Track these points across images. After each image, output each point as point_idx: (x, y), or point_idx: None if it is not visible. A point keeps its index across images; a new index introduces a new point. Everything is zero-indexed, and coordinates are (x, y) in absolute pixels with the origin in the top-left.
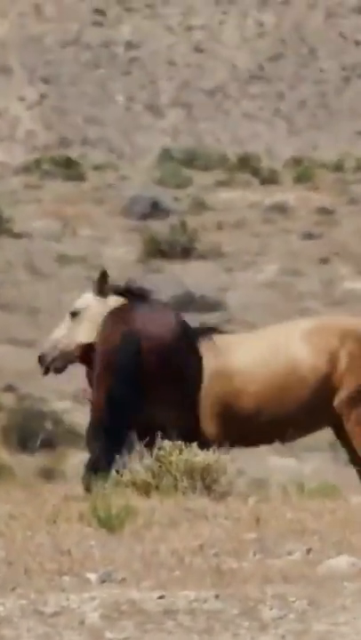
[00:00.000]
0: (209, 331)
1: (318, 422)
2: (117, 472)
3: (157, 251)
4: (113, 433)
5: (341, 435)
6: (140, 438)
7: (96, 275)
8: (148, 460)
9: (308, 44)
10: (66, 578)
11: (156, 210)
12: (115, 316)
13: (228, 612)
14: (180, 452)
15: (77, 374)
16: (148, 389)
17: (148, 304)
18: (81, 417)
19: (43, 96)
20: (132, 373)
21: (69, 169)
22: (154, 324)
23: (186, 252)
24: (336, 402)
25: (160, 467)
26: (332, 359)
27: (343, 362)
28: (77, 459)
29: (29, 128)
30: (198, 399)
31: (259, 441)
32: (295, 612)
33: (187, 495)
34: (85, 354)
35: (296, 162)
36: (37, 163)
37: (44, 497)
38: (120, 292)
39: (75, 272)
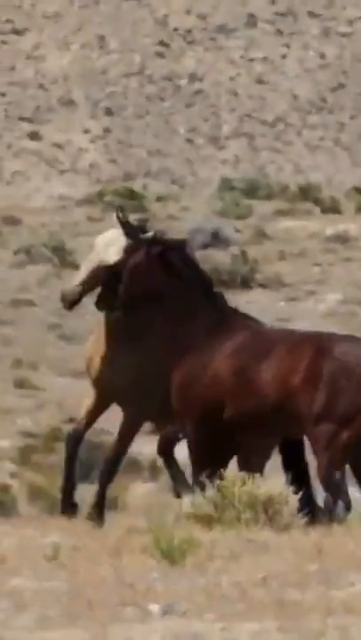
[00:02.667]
0: None
1: None
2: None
3: (219, 281)
4: None
5: None
6: None
7: None
8: (210, 492)
9: None
10: (129, 610)
11: (217, 240)
12: None
13: None
14: (243, 483)
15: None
16: None
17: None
18: (142, 447)
19: (106, 129)
20: None
21: (132, 200)
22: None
23: (247, 282)
24: None
25: (222, 498)
26: None
27: None
28: (139, 490)
29: (92, 160)
30: None
31: None
32: None
33: (249, 527)
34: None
35: (357, 191)
36: (100, 195)
37: (106, 529)
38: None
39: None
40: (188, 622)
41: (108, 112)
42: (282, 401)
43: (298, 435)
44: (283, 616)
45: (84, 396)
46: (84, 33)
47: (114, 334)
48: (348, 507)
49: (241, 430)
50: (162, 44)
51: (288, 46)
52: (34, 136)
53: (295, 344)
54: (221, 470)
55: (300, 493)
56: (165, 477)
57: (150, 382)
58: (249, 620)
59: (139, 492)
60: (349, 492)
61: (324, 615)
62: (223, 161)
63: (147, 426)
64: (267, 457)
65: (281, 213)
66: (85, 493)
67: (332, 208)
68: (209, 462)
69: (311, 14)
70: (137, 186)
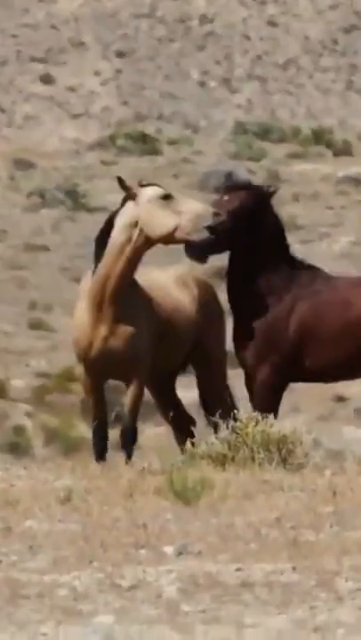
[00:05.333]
0: None
1: None
2: (193, 444)
3: None
4: None
5: None
6: None
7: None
8: (224, 432)
9: None
10: (142, 551)
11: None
12: None
13: (305, 584)
14: (257, 423)
15: None
16: None
17: None
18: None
19: (117, 71)
20: None
21: (145, 144)
22: None
23: None
24: None
25: (236, 438)
26: None
27: None
28: (153, 432)
29: (104, 103)
30: None
31: None
32: None
33: (263, 467)
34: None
35: None
36: (113, 138)
37: (119, 471)
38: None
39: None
40: (201, 563)
41: (120, 54)
42: None
43: None
44: (297, 556)
45: None
46: None
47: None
48: None
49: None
50: None
51: None
52: (46, 79)
53: None
54: (235, 411)
55: None
56: None
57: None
58: (263, 561)
59: (152, 433)
60: (360, 434)
61: (338, 555)
62: (236, 104)
63: None
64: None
65: (294, 156)
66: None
67: (343, 151)
68: (273, 408)
69: None
70: (149, 129)
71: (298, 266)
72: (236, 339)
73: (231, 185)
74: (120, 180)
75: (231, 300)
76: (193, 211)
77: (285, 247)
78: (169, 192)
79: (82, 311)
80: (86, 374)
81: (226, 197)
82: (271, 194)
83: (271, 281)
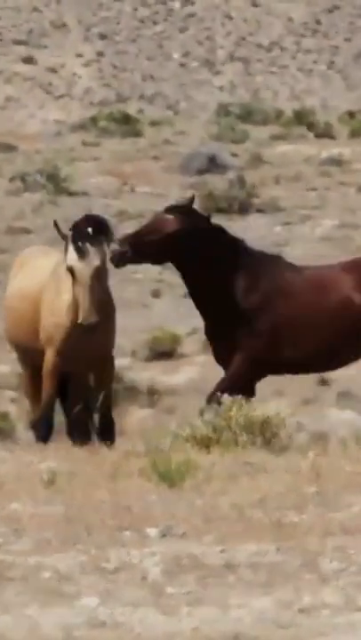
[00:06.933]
0: None
1: None
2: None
3: (215, 206)
4: None
5: None
6: None
7: None
8: (208, 415)
9: None
10: (126, 533)
11: (213, 165)
12: None
13: (289, 565)
14: (240, 406)
15: (134, 332)
16: None
17: None
18: (139, 373)
19: (99, 53)
20: None
21: (127, 125)
22: None
23: (244, 207)
24: None
25: (220, 421)
26: None
27: None
28: (137, 416)
29: (86, 85)
30: None
31: None
32: (356, 564)
33: (246, 449)
34: None
35: (351, 116)
36: (94, 120)
37: (103, 454)
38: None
39: (133, 228)
40: (186, 545)
41: (102, 36)
42: None
43: None
44: (281, 537)
45: None
46: None
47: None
48: None
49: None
50: None
51: None
52: (28, 60)
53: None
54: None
55: None
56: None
57: None
58: (247, 542)
59: (136, 417)
60: (343, 416)
61: (322, 536)
62: (218, 86)
63: (144, 353)
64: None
65: (276, 138)
66: None
67: (326, 132)
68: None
69: None
70: (131, 110)
71: (262, 259)
72: (209, 333)
73: (170, 207)
74: (55, 224)
75: (202, 296)
76: (80, 313)
77: (244, 249)
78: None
79: None
80: None
81: (169, 217)
82: (206, 219)
83: (237, 276)
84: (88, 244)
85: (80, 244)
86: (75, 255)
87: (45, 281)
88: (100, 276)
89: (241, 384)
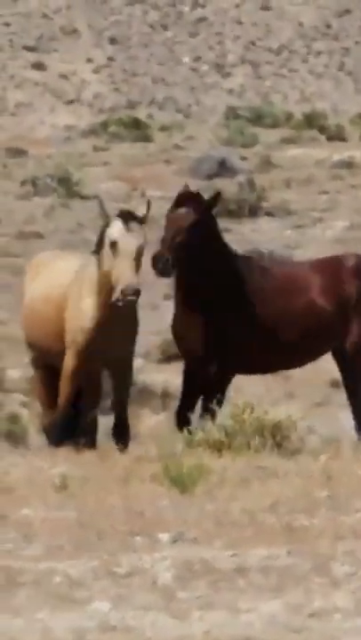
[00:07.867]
0: None
1: None
2: (189, 432)
3: (226, 209)
4: None
5: None
6: None
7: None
8: (221, 419)
9: None
10: (138, 538)
11: (223, 169)
12: None
13: (300, 568)
14: (252, 410)
15: (146, 334)
16: None
17: None
18: (152, 376)
19: (110, 58)
20: None
21: (137, 130)
22: None
23: (254, 211)
24: None
25: (233, 425)
26: None
27: None
28: (151, 420)
29: (97, 90)
30: None
31: None
32: None
33: (259, 453)
34: None
35: None
36: (105, 125)
37: (115, 458)
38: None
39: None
40: (197, 549)
41: (112, 41)
42: None
43: None
44: (292, 541)
45: None
46: None
47: None
48: None
49: None
50: None
51: None
52: (38, 66)
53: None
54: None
55: None
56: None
57: None
58: (258, 546)
59: (149, 420)
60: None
61: (333, 540)
62: (228, 89)
63: (156, 355)
64: None
65: (287, 141)
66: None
67: (337, 135)
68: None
69: None
70: (141, 115)
71: (239, 258)
72: (179, 333)
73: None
74: (99, 200)
75: (180, 295)
76: (123, 280)
77: (224, 244)
78: (115, 238)
79: None
80: None
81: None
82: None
83: (214, 273)
84: (135, 222)
85: (127, 220)
86: (121, 229)
87: (68, 284)
88: (140, 256)
89: (226, 386)
